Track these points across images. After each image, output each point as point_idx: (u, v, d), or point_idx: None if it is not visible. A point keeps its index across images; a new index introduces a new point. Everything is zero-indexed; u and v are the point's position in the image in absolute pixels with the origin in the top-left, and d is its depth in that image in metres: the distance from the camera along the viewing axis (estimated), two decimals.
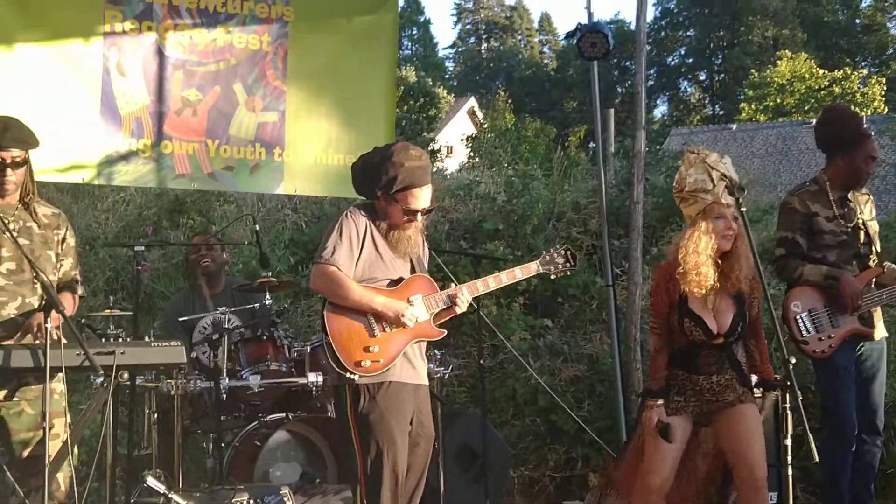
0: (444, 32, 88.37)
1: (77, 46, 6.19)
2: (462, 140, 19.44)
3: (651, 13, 44.30)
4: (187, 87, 6.49)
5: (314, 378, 5.51)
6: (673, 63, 44.52)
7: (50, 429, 4.20)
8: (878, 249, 5.68)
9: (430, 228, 9.37)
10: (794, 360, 3.89)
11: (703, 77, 44.55)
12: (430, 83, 27.98)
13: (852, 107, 27.97)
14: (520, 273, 4.87)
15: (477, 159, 15.75)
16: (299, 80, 6.79)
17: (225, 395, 5.45)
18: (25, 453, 4.38)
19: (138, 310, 6.11)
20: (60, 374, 4.26)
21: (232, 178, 6.71)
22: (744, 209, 4.25)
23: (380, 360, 4.39)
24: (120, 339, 5.37)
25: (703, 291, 4.65)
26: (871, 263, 5.60)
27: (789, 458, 3.78)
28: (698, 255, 4.63)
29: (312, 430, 5.53)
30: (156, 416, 5.82)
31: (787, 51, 35.44)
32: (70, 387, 4.73)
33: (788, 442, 3.78)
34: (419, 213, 4.56)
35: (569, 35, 7.54)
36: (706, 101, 43.74)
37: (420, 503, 5.34)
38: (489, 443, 6.36)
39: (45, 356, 4.00)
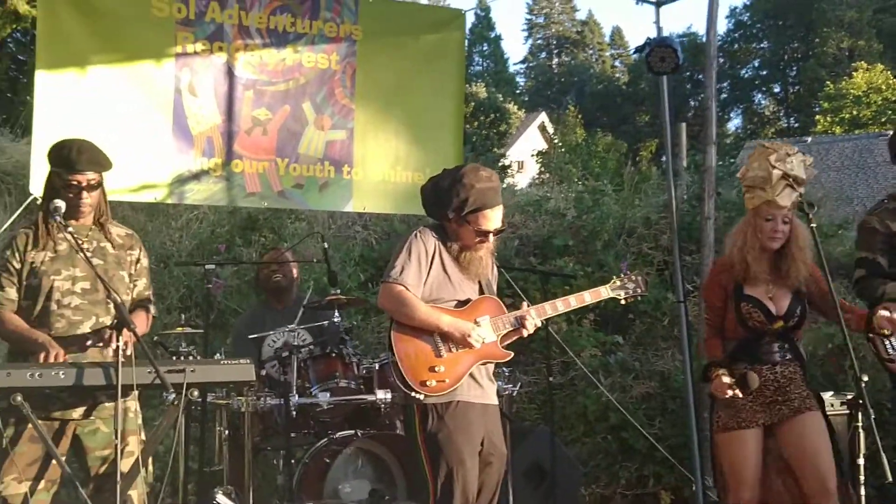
0: (516, 48, 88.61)
1: (149, 68, 6.31)
2: (532, 155, 19.42)
3: (724, 25, 43.91)
4: (257, 107, 6.58)
5: (383, 395, 5.52)
6: (747, 75, 44.05)
7: (124, 447, 4.27)
8: None
9: (500, 245, 9.30)
10: (866, 378, 3.80)
11: (777, 89, 44.01)
12: (501, 99, 27.97)
13: None
14: (589, 297, 4.84)
15: (547, 175, 15.73)
16: (367, 99, 6.85)
17: (294, 412, 5.48)
18: (101, 470, 4.45)
19: (210, 327, 6.19)
20: (134, 392, 4.34)
21: (301, 195, 6.78)
22: (814, 225, 4.17)
23: (445, 381, 4.39)
24: (191, 357, 5.48)
25: (755, 282, 4.80)
26: None
27: (862, 477, 3.68)
28: (742, 252, 4.84)
29: (381, 446, 5.53)
30: (227, 432, 5.88)
31: (862, 62, 34.87)
32: (144, 404, 4.79)
33: (861, 461, 3.69)
34: (490, 234, 4.57)
35: (638, 49, 7.48)
36: (780, 114, 43.18)
37: None
38: (558, 460, 6.32)
39: (117, 374, 4.05)
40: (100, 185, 4.56)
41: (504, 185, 10.73)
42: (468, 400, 4.44)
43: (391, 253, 4.69)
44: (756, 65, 44.33)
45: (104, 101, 6.13)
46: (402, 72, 6.96)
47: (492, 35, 51.49)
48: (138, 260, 4.72)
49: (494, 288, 4.73)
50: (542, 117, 33.01)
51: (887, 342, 5.27)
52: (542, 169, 17.06)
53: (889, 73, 33.14)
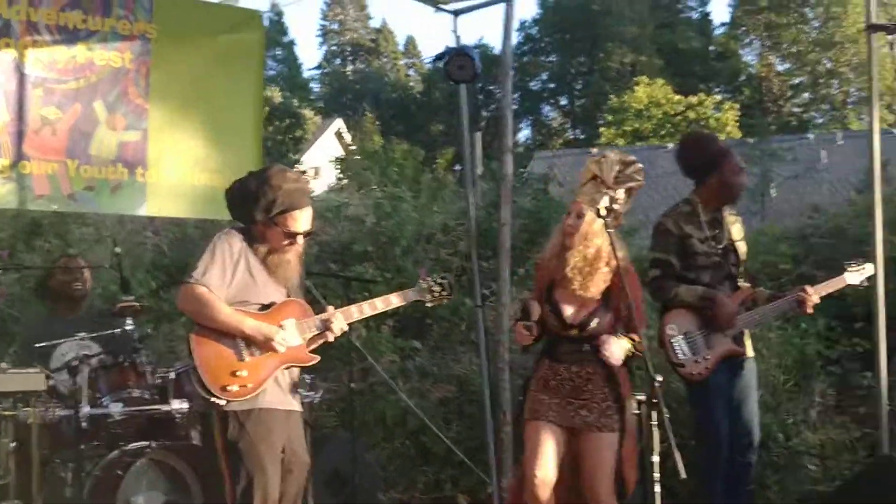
0: (310, 53, 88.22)
1: None
2: (330, 161, 19.37)
3: (514, 38, 44.94)
4: (46, 105, 6.27)
5: (178, 405, 5.37)
6: (536, 88, 45.26)
7: None
8: (745, 270, 5.83)
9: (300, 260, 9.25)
10: (660, 379, 3.95)
11: (564, 102, 45.42)
12: (296, 104, 27.79)
13: (714, 136, 28.89)
14: (395, 300, 4.86)
15: (345, 181, 15.71)
16: (163, 99, 6.64)
17: (85, 423, 5.27)
18: None
19: None
20: None
21: (93, 198, 6.50)
22: (611, 230, 4.30)
23: (248, 385, 4.30)
24: None
25: (566, 284, 4.85)
26: (741, 284, 5.74)
27: (656, 474, 3.81)
28: (552, 251, 4.98)
29: (176, 458, 5.37)
30: (13, 444, 5.58)
31: (644, 76, 36.38)
32: None
33: (655, 458, 3.83)
34: (300, 236, 4.51)
35: (437, 58, 7.57)
36: (567, 126, 44.58)
37: None
38: (359, 467, 6.30)
39: None
40: None
41: None
42: (271, 407, 4.37)
43: (184, 259, 4.58)
44: (544, 78, 45.60)
45: None
46: (199, 72, 6.77)
47: (285, 40, 51.07)
48: None
49: (302, 292, 4.68)
50: (339, 123, 32.97)
51: (678, 348, 5.51)
52: (341, 175, 17.03)
53: (668, 87, 34.71)
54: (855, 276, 5.77)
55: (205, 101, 6.79)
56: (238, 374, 4.28)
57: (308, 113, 28.56)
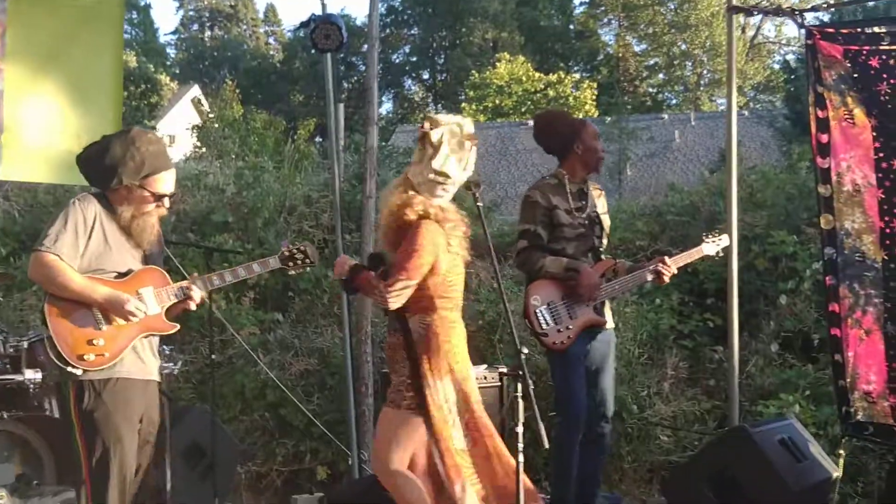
0: (166, 18, 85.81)
1: None
2: (187, 129, 18.93)
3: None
4: None
5: (31, 375, 5.17)
6: (398, 61, 45.15)
7: None
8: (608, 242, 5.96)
9: (161, 225, 9.05)
10: (526, 351, 3.99)
11: (426, 76, 45.47)
12: (152, 69, 27.05)
13: (565, 110, 29.41)
14: (258, 268, 4.77)
15: (204, 149, 15.39)
16: (19, 60, 6.34)
17: None
18: None
19: None
20: None
21: None
22: (480, 204, 4.32)
23: (105, 354, 4.18)
24: None
25: None
26: (603, 256, 5.86)
27: (520, 444, 3.86)
28: None
29: (29, 429, 5.22)
30: None
31: (505, 53, 36.66)
32: None
33: (520, 429, 3.87)
34: (166, 198, 4.42)
35: (303, 25, 7.48)
36: (429, 100, 44.63)
37: (146, 503, 5.19)
38: (218, 439, 6.21)
39: None
40: None
41: None
42: (129, 376, 4.26)
43: (34, 225, 4.42)
44: (406, 51, 45.53)
45: None
46: (58, 33, 6.50)
47: (141, 3, 49.68)
48: None
49: (161, 259, 4.57)
50: (196, 91, 32.29)
51: (541, 318, 5.59)
52: (199, 144, 16.66)
53: (529, 64, 35.07)
54: (712, 246, 5.96)
55: (63, 63, 6.53)
56: (95, 342, 4.16)
57: (164, 79, 27.84)
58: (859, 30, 5.34)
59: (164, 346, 5.67)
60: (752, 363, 8.19)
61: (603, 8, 42.30)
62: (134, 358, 4.30)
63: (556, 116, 6.49)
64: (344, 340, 7.43)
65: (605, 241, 5.91)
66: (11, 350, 5.31)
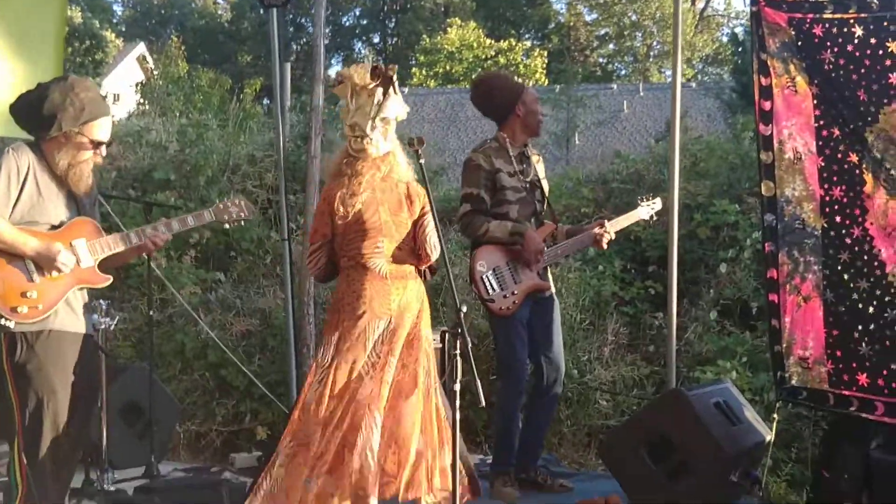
0: None
1: None
2: (131, 86, 18.65)
3: None
4: None
5: None
6: (348, 24, 44.75)
7: None
8: (548, 208, 5.97)
9: (96, 175, 8.93)
10: (465, 309, 3.97)
11: (376, 39, 45.11)
12: (97, 25, 26.53)
13: (515, 77, 29.35)
14: (192, 220, 4.69)
15: (147, 106, 15.18)
16: None
17: None
18: None
19: None
20: None
21: None
22: (422, 160, 4.28)
23: (38, 307, 4.11)
24: None
25: None
26: (545, 221, 5.87)
27: (458, 402, 3.86)
28: None
29: None
30: None
31: (457, 18, 36.47)
32: None
33: (457, 387, 3.86)
34: (103, 146, 4.35)
35: None
36: (379, 64, 44.35)
37: (81, 458, 5.14)
38: (156, 398, 6.16)
39: None
40: None
41: None
42: (63, 329, 4.20)
43: None
44: (357, 13, 45.11)
45: None
46: None
47: None
48: None
49: (95, 210, 4.50)
50: (141, 48, 31.78)
51: (488, 284, 5.60)
52: (143, 100, 16.42)
53: (480, 31, 34.92)
54: (646, 210, 6.04)
55: (5, 16, 6.38)
56: (28, 294, 4.09)
57: (110, 36, 27.30)
58: None
59: (102, 301, 5.59)
60: (691, 330, 8.29)
61: None
62: (67, 310, 4.24)
63: (495, 80, 6.47)
64: (286, 301, 7.39)
65: (545, 206, 5.92)
66: None
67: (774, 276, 5.54)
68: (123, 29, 40.20)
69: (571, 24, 40.17)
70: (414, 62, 36.32)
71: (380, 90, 4.73)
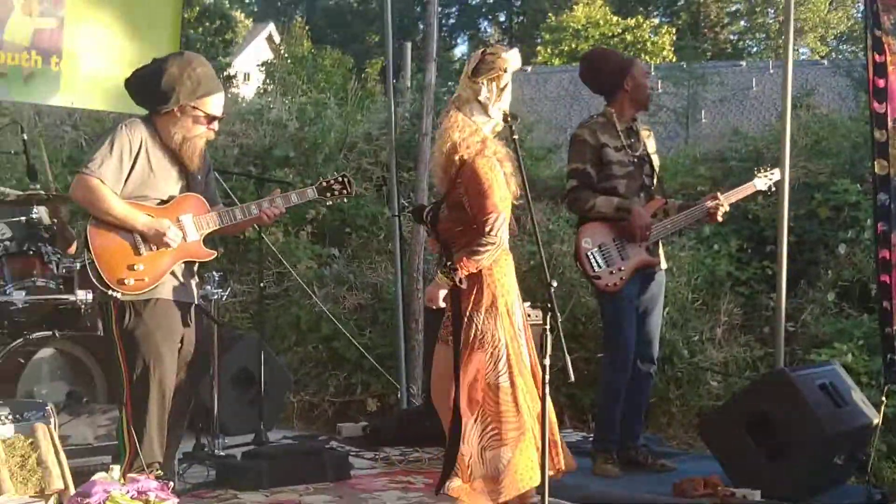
0: None
1: None
2: (258, 65, 19.05)
3: None
4: None
5: (83, 295, 5.29)
6: (474, 2, 44.74)
7: None
8: (659, 183, 5.91)
9: (220, 153, 9.20)
10: (555, 284, 3.98)
11: (502, 18, 44.98)
12: (227, 5, 27.13)
13: (642, 55, 28.94)
14: (296, 198, 4.83)
15: (271, 85, 15.49)
16: None
17: None
18: None
19: None
20: None
21: (4, 85, 6.32)
22: (516, 137, 4.28)
23: (145, 279, 4.30)
24: None
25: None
26: (654, 196, 5.82)
27: (546, 376, 3.87)
28: None
29: (81, 348, 5.33)
30: None
31: None
32: None
33: (546, 361, 3.87)
34: (216, 121, 4.53)
35: None
36: (505, 43, 44.21)
37: (193, 423, 5.35)
38: (268, 367, 6.34)
39: None
40: None
41: (228, 95, 10.61)
42: (169, 297, 4.37)
43: None
44: None
45: None
46: None
47: None
48: None
49: (203, 185, 4.65)
50: (271, 28, 32.40)
51: (593, 260, 5.59)
52: (267, 79, 16.76)
53: (607, 8, 34.49)
54: (763, 181, 5.87)
55: None
56: (135, 267, 4.28)
57: (239, 15, 27.91)
58: None
59: (215, 273, 5.79)
60: (808, 312, 8.11)
61: None
62: (173, 282, 4.41)
63: (603, 55, 6.46)
64: (396, 276, 7.52)
65: (655, 182, 5.86)
66: (64, 271, 5.44)
67: (887, 257, 5.41)
68: (254, 9, 40.98)
69: (701, 0, 39.37)
70: (539, 40, 36.10)
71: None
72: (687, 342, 7.82)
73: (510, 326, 4.48)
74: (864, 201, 8.51)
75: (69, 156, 9.29)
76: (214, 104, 4.52)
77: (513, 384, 4.40)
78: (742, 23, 39.53)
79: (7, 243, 5.52)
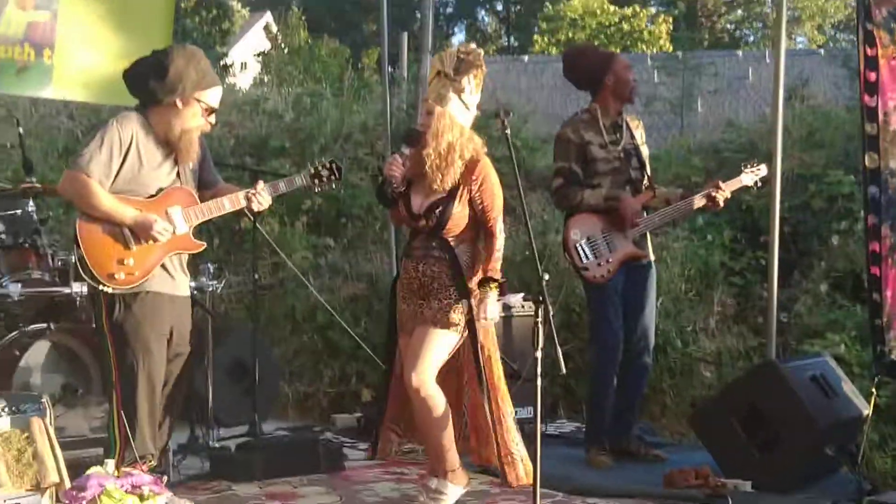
0: None
1: None
2: (254, 55, 19.03)
3: None
4: None
5: (78, 288, 5.33)
6: None
7: None
8: (649, 174, 5.93)
9: (215, 143, 9.22)
10: (547, 277, 4.03)
11: (500, 7, 44.88)
12: None
13: (639, 45, 28.92)
14: (283, 186, 4.87)
15: (267, 76, 15.50)
16: None
17: None
18: None
19: None
20: None
21: None
22: (507, 131, 4.32)
23: (135, 273, 4.34)
24: None
25: (422, 179, 4.63)
26: (644, 188, 5.85)
27: (539, 369, 3.91)
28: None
29: (76, 340, 5.37)
30: None
31: None
32: None
33: (539, 354, 3.91)
34: (213, 114, 4.57)
35: None
36: (502, 32, 44.14)
37: (187, 414, 5.38)
38: (261, 358, 6.36)
39: None
40: None
41: (224, 86, 10.64)
42: (158, 290, 4.40)
43: None
44: None
45: None
46: None
47: None
48: None
49: (203, 168, 4.69)
50: (268, 17, 32.28)
51: (581, 252, 5.63)
52: (263, 70, 16.75)
53: None
54: (749, 176, 5.94)
55: None
56: (125, 262, 4.32)
57: (236, 5, 27.82)
58: None
59: (210, 265, 5.83)
60: (801, 302, 8.13)
61: None
62: (163, 274, 4.45)
63: (582, 52, 6.56)
64: (391, 266, 7.54)
65: (644, 174, 5.89)
66: (60, 263, 5.48)
67: (877, 250, 5.43)
68: None
69: None
70: (536, 29, 36.05)
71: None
72: (680, 332, 7.84)
73: None
74: (858, 193, 8.50)
75: (65, 146, 9.31)
76: (215, 96, 4.57)
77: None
78: (739, 12, 39.50)
79: (2, 236, 5.55)
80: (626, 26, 32.75)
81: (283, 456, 5.41)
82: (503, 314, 6.17)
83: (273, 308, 8.17)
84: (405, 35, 14.97)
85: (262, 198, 4.68)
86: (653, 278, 5.96)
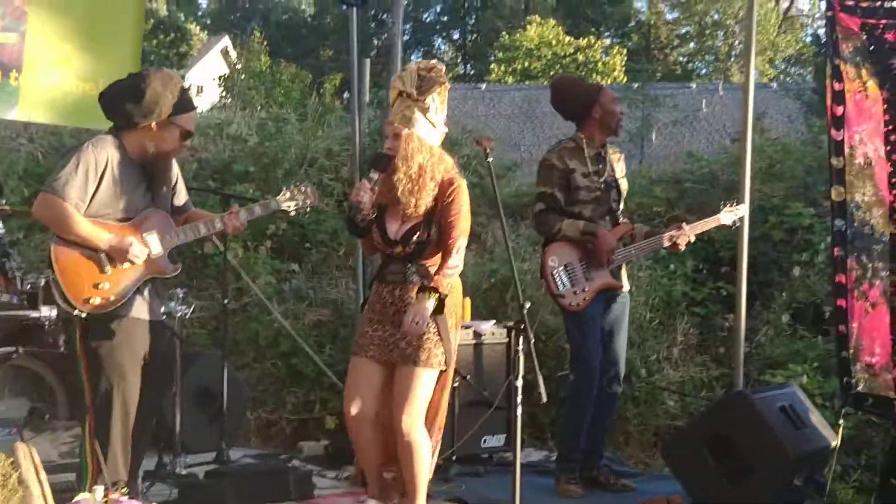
0: None
1: None
2: (215, 80, 18.98)
3: None
4: None
5: (48, 312, 5.26)
6: (429, 20, 44.88)
7: None
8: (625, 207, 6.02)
9: (178, 167, 9.14)
10: (528, 305, 4.04)
11: (456, 36, 45.19)
12: (182, 18, 26.99)
13: (594, 75, 29.21)
14: (259, 210, 4.86)
15: (229, 100, 15.46)
16: (42, 2, 6.40)
17: None
18: None
19: None
20: None
21: None
22: (490, 160, 4.36)
23: (110, 298, 4.29)
24: None
25: (396, 203, 4.57)
26: (620, 220, 5.92)
27: (519, 398, 3.93)
28: None
29: (43, 364, 5.31)
30: None
31: (536, 16, 36.43)
32: None
33: (519, 383, 3.92)
34: (189, 138, 4.60)
35: None
36: (458, 60, 44.39)
37: (155, 441, 5.32)
38: (228, 384, 6.31)
39: None
40: None
41: None
42: (135, 315, 4.36)
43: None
44: (437, 9, 45.19)
45: None
46: None
47: None
48: None
49: (175, 192, 4.67)
50: (225, 42, 32.28)
51: (558, 280, 5.67)
52: (225, 93, 16.72)
53: (560, 28, 34.82)
54: (729, 216, 6.04)
55: (84, 7, 6.57)
56: (100, 286, 4.27)
57: (194, 28, 27.76)
58: (879, 3, 5.34)
59: (179, 290, 5.77)
60: (763, 333, 8.23)
61: None
62: (139, 299, 4.41)
63: (573, 82, 6.58)
64: (357, 293, 7.52)
65: (622, 205, 5.97)
66: (28, 287, 5.40)
67: (843, 282, 5.52)
68: (208, 22, 40.81)
69: (652, 22, 39.85)
70: (493, 58, 36.32)
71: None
72: (645, 361, 7.90)
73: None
74: (818, 224, 8.66)
75: (25, 169, 9.19)
76: (191, 120, 4.58)
77: None
78: (692, 45, 40.09)
79: None
80: (580, 57, 33.12)
81: (252, 483, 5.35)
82: (474, 341, 6.20)
83: (237, 334, 8.09)
84: (367, 61, 15.03)
85: (239, 222, 4.66)
86: (626, 309, 6.04)
